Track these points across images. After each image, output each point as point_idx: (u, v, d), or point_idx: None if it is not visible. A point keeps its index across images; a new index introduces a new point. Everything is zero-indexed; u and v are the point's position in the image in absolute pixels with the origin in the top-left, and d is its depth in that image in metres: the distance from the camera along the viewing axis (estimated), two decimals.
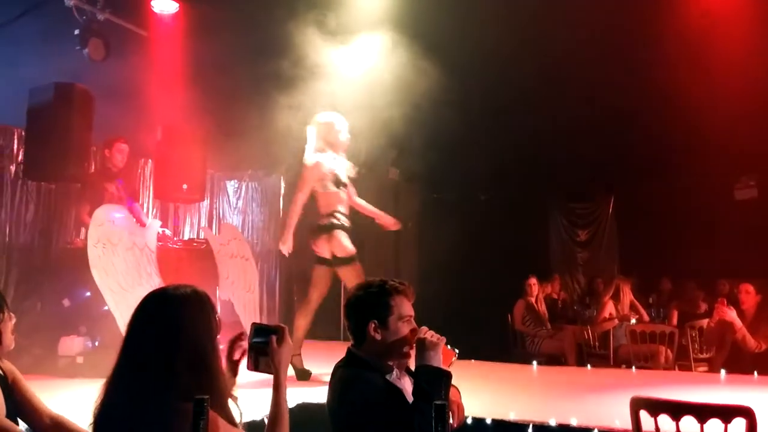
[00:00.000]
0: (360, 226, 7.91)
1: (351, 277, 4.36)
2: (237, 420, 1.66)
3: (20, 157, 5.71)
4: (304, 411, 3.03)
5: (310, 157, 4.45)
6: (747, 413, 2.13)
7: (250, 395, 1.83)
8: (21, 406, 2.09)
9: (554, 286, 7.84)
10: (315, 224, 4.48)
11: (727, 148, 6.79)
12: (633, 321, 6.13)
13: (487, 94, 6.67)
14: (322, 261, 4.45)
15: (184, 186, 6.24)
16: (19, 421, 2.09)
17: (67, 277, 5.13)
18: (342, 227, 4.47)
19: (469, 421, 3.00)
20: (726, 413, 2.15)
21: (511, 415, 3.19)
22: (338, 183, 4.46)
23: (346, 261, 4.41)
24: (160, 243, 5.42)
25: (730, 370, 4.72)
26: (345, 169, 4.55)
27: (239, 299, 5.83)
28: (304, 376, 4.32)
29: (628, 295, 6.39)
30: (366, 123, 6.99)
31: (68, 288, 5.11)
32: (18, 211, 5.84)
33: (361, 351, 2.11)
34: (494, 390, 4.06)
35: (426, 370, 2.00)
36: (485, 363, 5.29)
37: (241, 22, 5.96)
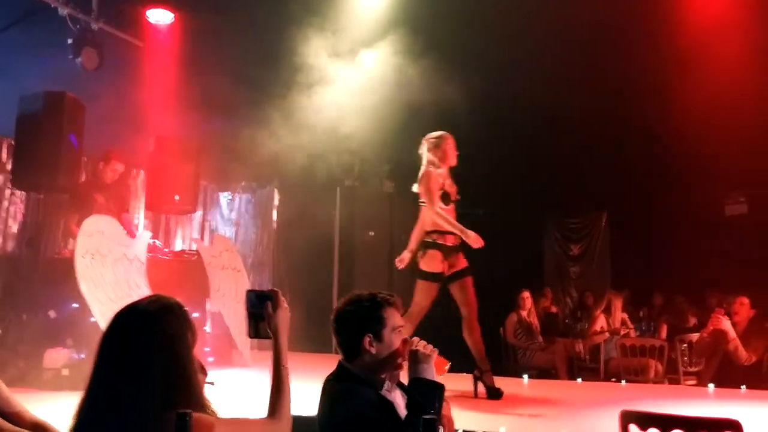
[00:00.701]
0: (354, 238, 7.94)
1: (463, 291, 4.48)
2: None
3: (9, 167, 5.67)
4: (293, 424, 2.99)
5: (427, 170, 4.43)
6: (735, 427, 2.13)
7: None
8: (1, 409, 2.06)
9: (548, 299, 7.85)
10: (424, 240, 4.47)
11: (717, 164, 6.84)
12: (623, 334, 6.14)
13: (482, 109, 6.70)
14: (434, 276, 4.44)
15: (177, 197, 6.22)
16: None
17: (54, 288, 5.07)
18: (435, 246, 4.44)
19: None
20: (715, 427, 2.15)
21: (502, 430, 3.16)
22: (447, 199, 4.43)
23: (461, 275, 4.47)
24: (150, 254, 5.39)
25: (719, 384, 4.72)
26: (452, 186, 4.50)
27: (230, 310, 5.79)
28: (496, 394, 4.16)
29: (619, 309, 6.40)
30: (360, 136, 7.03)
31: (55, 299, 5.06)
32: (5, 221, 5.79)
33: (354, 365, 2.08)
34: (485, 403, 4.04)
35: (419, 383, 1.98)
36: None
37: (237, 34, 5.98)
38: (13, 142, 5.48)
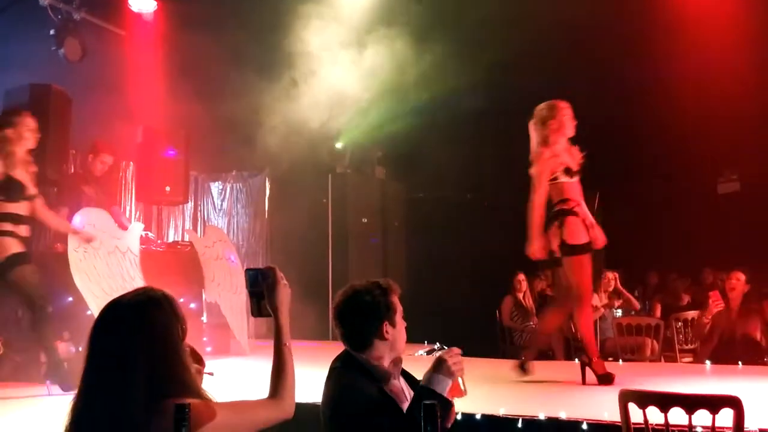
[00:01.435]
0: (347, 225, 7.92)
1: (576, 269, 3.98)
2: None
3: None
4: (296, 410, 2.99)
5: (539, 150, 4.10)
6: (734, 403, 2.14)
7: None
8: None
9: (543, 281, 7.86)
10: (555, 211, 4.08)
11: (709, 143, 6.86)
12: (618, 313, 6.15)
13: (473, 93, 6.68)
14: (583, 248, 3.98)
15: (167, 188, 6.17)
16: None
17: (49, 283, 5.03)
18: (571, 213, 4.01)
19: (459, 417, 2.99)
20: (714, 403, 2.16)
21: (501, 411, 3.18)
22: (571, 173, 4.10)
23: (575, 250, 3.97)
24: (143, 246, 5.35)
25: (715, 361, 4.76)
26: (575, 158, 4.15)
27: (225, 301, 5.78)
28: (606, 380, 3.90)
29: (612, 283, 6.40)
30: (353, 122, 7.00)
31: (50, 293, 5.02)
32: None
33: (364, 355, 2.07)
34: (483, 385, 4.05)
35: (429, 393, 1.92)
36: (474, 359, 5.28)
37: (221, 20, 5.90)
38: None
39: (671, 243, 7.54)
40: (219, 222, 8.07)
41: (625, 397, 2.30)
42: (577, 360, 4.36)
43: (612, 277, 6.45)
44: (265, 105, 6.62)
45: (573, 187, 4.12)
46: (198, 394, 1.56)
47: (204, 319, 6.08)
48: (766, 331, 4.93)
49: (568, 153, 4.14)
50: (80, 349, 4.70)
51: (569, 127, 4.13)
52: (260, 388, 1.78)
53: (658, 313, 6.39)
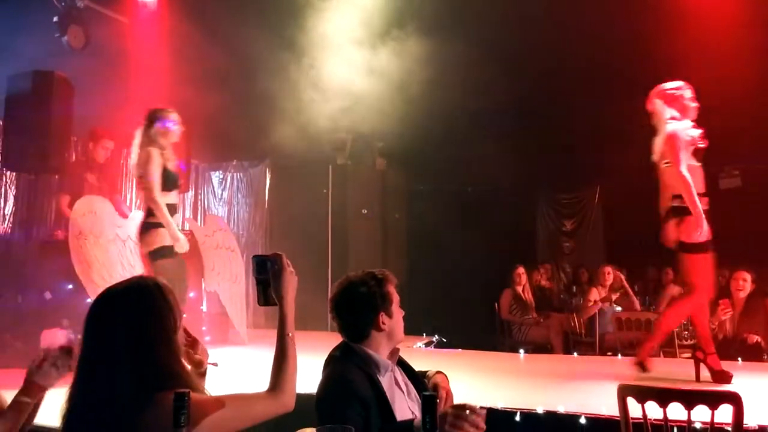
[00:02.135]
0: (347, 216, 7.92)
1: (691, 267, 3.78)
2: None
3: None
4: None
5: (669, 127, 3.91)
6: (734, 399, 2.14)
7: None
8: None
9: (542, 274, 7.88)
10: (673, 206, 3.90)
11: (710, 138, 6.82)
12: (618, 308, 6.16)
13: (474, 88, 6.65)
14: (701, 247, 3.78)
15: None
16: None
17: (49, 270, 5.05)
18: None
19: None
20: (713, 399, 2.16)
21: (500, 404, 3.19)
22: (698, 155, 3.88)
23: (691, 249, 3.78)
24: None
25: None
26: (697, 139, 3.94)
27: (225, 290, 5.79)
28: (722, 378, 3.73)
29: (611, 277, 6.40)
30: (353, 113, 6.97)
31: (50, 281, 5.04)
32: None
33: (363, 345, 2.07)
34: (482, 378, 4.07)
35: None
36: (473, 352, 5.30)
37: (224, 8, 5.87)
38: (1, 123, 5.38)
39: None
40: (219, 211, 8.07)
41: (624, 392, 2.30)
42: (575, 354, 4.35)
43: (609, 272, 6.44)
44: (268, 95, 6.60)
45: (697, 172, 3.94)
46: (191, 386, 1.52)
47: (203, 308, 6.10)
48: (767, 330, 4.92)
49: (693, 133, 3.96)
50: (80, 336, 4.72)
51: (693, 108, 4.02)
52: (258, 378, 1.77)
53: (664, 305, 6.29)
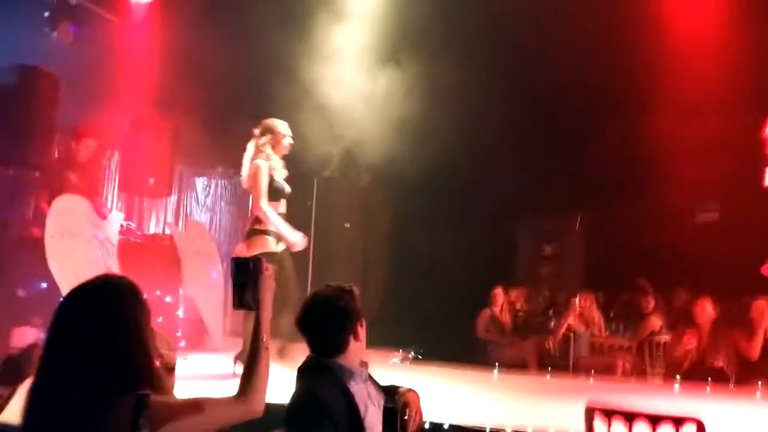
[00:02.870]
0: (331, 230, 7.93)
1: None
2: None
3: None
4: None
5: None
6: (696, 422, 2.18)
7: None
8: None
9: (520, 297, 7.92)
10: None
11: (691, 172, 6.97)
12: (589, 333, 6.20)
13: (458, 105, 6.74)
14: None
15: (151, 180, 6.13)
16: None
17: (23, 267, 4.97)
18: None
19: (426, 425, 2.99)
20: (677, 422, 2.19)
21: (469, 421, 3.19)
22: None
23: None
24: (123, 237, 5.31)
25: (683, 383, 4.82)
26: None
27: (202, 297, 5.74)
28: None
29: (583, 308, 6.43)
30: (339, 127, 7.01)
31: (23, 278, 4.96)
32: None
33: (339, 359, 2.07)
34: (453, 394, 4.07)
35: None
36: (446, 367, 5.30)
37: (218, 13, 5.90)
38: None
39: (648, 266, 7.62)
40: (201, 218, 8.02)
41: (592, 411, 2.33)
42: (548, 376, 4.39)
43: (580, 303, 6.44)
44: (256, 105, 6.62)
45: None
46: (160, 388, 1.51)
47: (179, 313, 6.04)
48: (732, 358, 5.01)
49: None
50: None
51: None
52: (231, 386, 1.76)
53: (647, 332, 6.27)
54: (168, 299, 5.75)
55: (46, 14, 5.39)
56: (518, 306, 7.65)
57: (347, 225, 8.02)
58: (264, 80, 6.59)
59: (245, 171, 4.52)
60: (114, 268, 4.98)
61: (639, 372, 5.42)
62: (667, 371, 5.52)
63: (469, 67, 6.39)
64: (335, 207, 7.87)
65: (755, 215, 6.16)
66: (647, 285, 6.95)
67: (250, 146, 4.53)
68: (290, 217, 7.85)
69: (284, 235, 4.43)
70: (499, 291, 6.94)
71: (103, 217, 5.16)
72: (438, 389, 4.10)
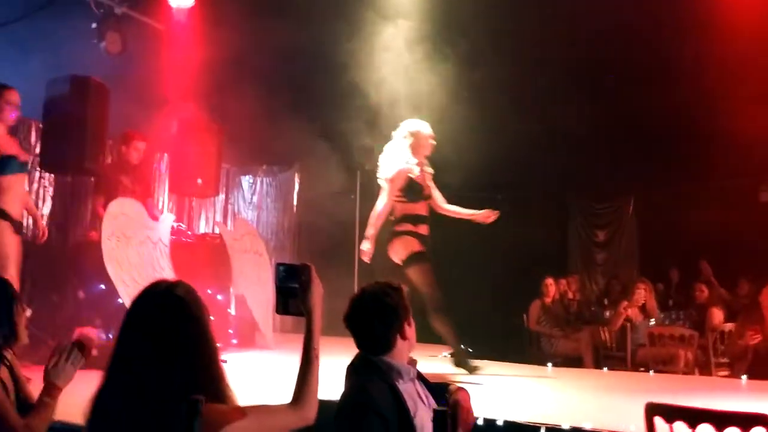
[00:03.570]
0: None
1: None
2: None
3: (38, 149, 5.75)
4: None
5: None
6: (767, 422, 2.05)
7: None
8: (23, 402, 2.11)
9: (572, 286, 7.73)
10: None
11: (751, 149, 6.62)
12: (652, 321, 5.99)
13: (503, 91, 6.59)
14: None
15: (199, 180, 6.26)
16: None
17: (83, 270, 5.16)
18: None
19: (480, 422, 2.94)
20: (745, 421, 2.07)
21: (524, 418, 3.12)
22: None
23: None
24: (173, 237, 5.43)
25: (752, 376, 4.59)
26: None
27: (252, 295, 5.83)
28: None
29: (643, 297, 6.22)
30: (382, 118, 6.95)
31: (83, 280, 5.15)
32: (35, 203, 5.89)
33: (387, 357, 2.05)
34: (507, 391, 4.00)
35: None
36: (499, 363, 5.22)
37: (257, 16, 5.94)
38: (41, 125, 5.55)
39: (708, 251, 7.30)
40: (249, 215, 8.15)
41: (652, 410, 2.23)
42: (605, 369, 4.26)
43: (642, 292, 6.21)
44: (297, 100, 6.65)
45: None
46: (224, 392, 1.53)
47: (231, 311, 6.16)
48: None
49: None
50: (111, 336, 4.81)
51: None
52: (283, 384, 1.76)
53: (716, 320, 6.02)
54: (219, 297, 5.87)
55: (93, 25, 5.54)
56: (570, 296, 7.48)
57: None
58: (307, 77, 6.62)
59: (385, 172, 4.48)
60: (167, 268, 5.11)
61: (701, 365, 5.20)
62: (731, 363, 5.28)
63: (517, 62, 6.25)
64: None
65: None
66: (708, 270, 6.68)
67: (391, 147, 4.51)
68: (335, 211, 7.93)
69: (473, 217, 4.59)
70: (550, 281, 6.79)
71: (155, 218, 5.29)
72: (491, 385, 4.04)
